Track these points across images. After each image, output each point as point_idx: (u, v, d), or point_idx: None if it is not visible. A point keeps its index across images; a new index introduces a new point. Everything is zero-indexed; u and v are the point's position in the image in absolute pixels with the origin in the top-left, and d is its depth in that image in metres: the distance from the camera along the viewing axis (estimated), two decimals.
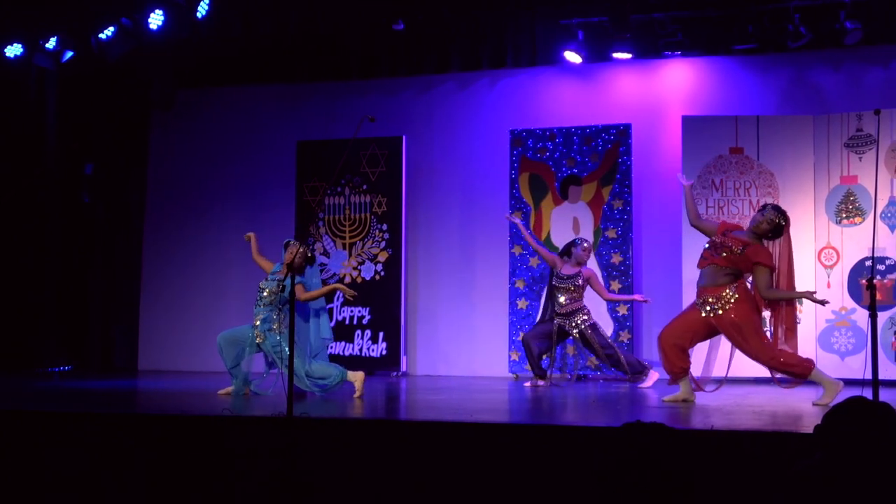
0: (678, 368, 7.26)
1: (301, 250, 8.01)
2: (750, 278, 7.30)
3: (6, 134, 11.10)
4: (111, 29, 10.25)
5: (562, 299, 9.18)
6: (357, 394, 7.74)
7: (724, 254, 7.20)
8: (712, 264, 7.25)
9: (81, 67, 10.90)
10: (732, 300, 7.15)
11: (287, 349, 7.76)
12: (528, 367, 9.45)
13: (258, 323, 8.04)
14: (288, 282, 6.22)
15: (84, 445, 5.83)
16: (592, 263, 9.97)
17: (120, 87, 11.60)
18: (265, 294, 8.09)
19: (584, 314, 9.17)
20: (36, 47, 10.51)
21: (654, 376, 9.02)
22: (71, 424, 6.00)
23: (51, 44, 10.61)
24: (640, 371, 9.12)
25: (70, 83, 11.27)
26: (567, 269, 9.24)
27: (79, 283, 11.66)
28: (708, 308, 7.20)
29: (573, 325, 9.14)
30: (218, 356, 8.22)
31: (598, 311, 9.99)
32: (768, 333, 7.32)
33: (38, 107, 11.11)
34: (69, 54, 10.74)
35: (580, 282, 9.16)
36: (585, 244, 9.35)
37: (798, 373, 7.13)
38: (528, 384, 9.16)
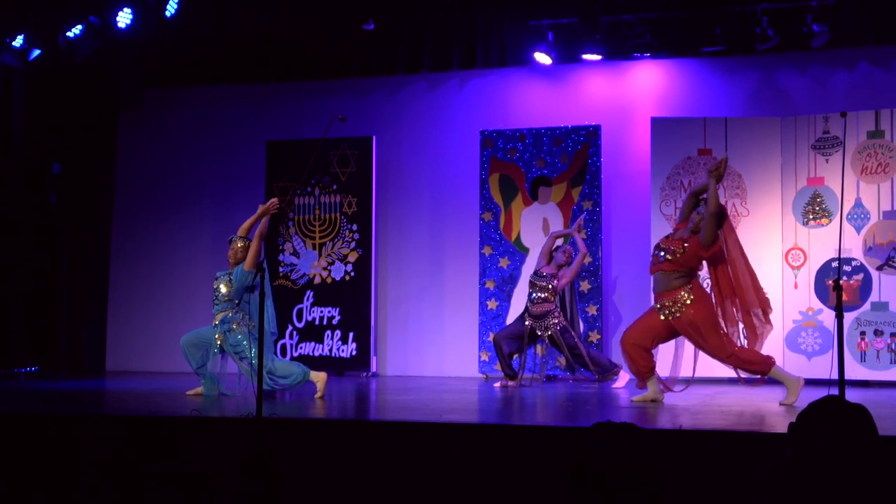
0: (644, 369, 7.31)
1: (240, 245, 8.00)
2: (703, 274, 7.38)
3: None
4: (79, 27, 10.18)
5: (534, 296, 9.24)
6: (318, 394, 7.73)
7: (669, 257, 7.27)
8: (659, 270, 7.32)
9: (49, 66, 10.81)
10: (689, 301, 7.21)
11: (247, 348, 7.77)
12: (497, 367, 9.48)
13: (217, 323, 8.00)
14: (258, 281, 6.18)
15: (50, 447, 5.78)
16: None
17: (88, 86, 11.52)
18: (223, 290, 8.04)
19: (554, 317, 9.23)
20: (2, 45, 10.41)
21: (625, 377, 9.07)
22: (37, 426, 5.95)
23: (17, 42, 10.51)
24: (609, 370, 9.17)
25: (37, 82, 11.16)
26: (547, 269, 9.33)
27: (46, 284, 11.55)
28: (666, 312, 7.27)
29: (544, 327, 9.19)
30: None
31: (568, 310, 10.04)
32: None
33: (5, 105, 10.99)
34: (36, 52, 10.65)
35: (554, 283, 9.22)
36: (565, 247, 9.42)
37: (758, 370, 7.22)
38: (498, 384, 9.19)
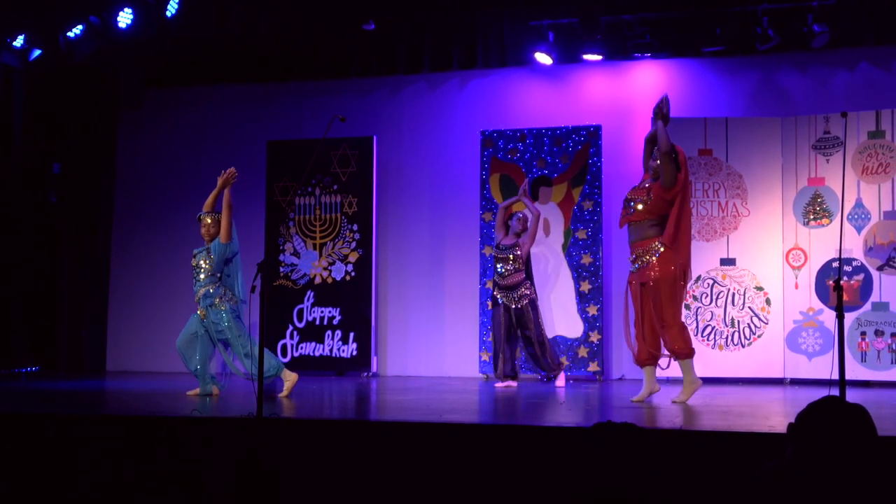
0: (645, 356, 7.30)
1: (210, 221, 8.03)
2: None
3: None
4: (79, 27, 10.18)
5: (501, 269, 9.39)
6: (283, 393, 7.76)
7: (639, 206, 7.31)
8: (630, 221, 7.37)
9: (49, 66, 10.81)
10: (660, 251, 7.23)
11: (227, 327, 7.77)
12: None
13: (200, 298, 8.01)
14: (259, 282, 6.15)
15: (51, 447, 5.78)
16: (563, 264, 10.09)
17: (88, 86, 11.53)
18: (202, 265, 8.05)
19: (525, 288, 9.39)
20: (3, 45, 10.41)
21: (563, 376, 9.35)
22: (38, 426, 5.95)
23: (18, 42, 10.52)
24: (557, 367, 9.38)
25: (37, 82, 11.17)
26: (506, 241, 9.48)
27: (46, 284, 11.56)
28: (638, 263, 7.29)
29: (515, 298, 9.31)
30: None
31: (569, 311, 10.05)
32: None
33: (5, 105, 11.00)
34: (37, 52, 10.65)
35: (517, 252, 9.35)
36: (520, 214, 9.57)
37: (681, 353, 7.21)
38: (499, 384, 9.20)
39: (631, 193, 7.48)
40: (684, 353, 7.21)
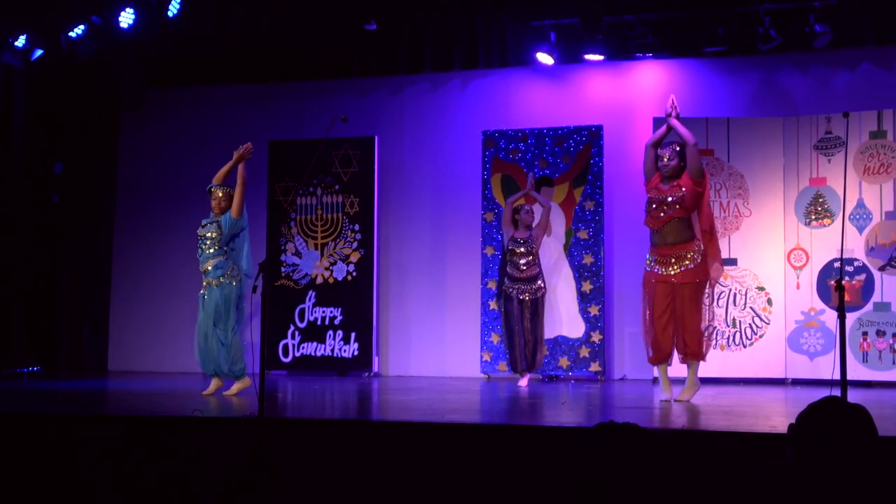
0: (665, 352, 7.30)
1: (221, 194, 8.04)
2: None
3: None
4: (81, 27, 10.17)
5: (521, 263, 9.41)
6: (229, 392, 7.81)
7: (678, 205, 7.19)
8: (672, 219, 7.23)
9: (51, 66, 10.81)
10: (699, 258, 7.22)
11: (223, 308, 7.75)
12: (501, 366, 9.56)
13: (209, 268, 7.96)
14: (260, 282, 6.12)
15: (51, 447, 5.78)
16: (564, 264, 10.10)
17: (90, 86, 11.53)
18: (209, 236, 8.02)
19: (542, 280, 9.50)
20: (4, 45, 10.41)
21: (527, 377, 9.37)
22: (38, 426, 5.95)
23: (20, 42, 10.52)
24: (534, 368, 9.47)
25: (39, 81, 11.17)
26: (520, 234, 9.53)
27: (48, 284, 11.56)
28: (678, 265, 7.21)
29: (532, 290, 9.42)
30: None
31: (571, 311, 10.04)
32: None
33: (6, 105, 11.00)
34: (38, 52, 10.65)
35: (534, 244, 9.46)
36: (527, 207, 9.67)
37: (698, 353, 7.24)
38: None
39: (659, 193, 7.27)
40: (702, 354, 7.25)
